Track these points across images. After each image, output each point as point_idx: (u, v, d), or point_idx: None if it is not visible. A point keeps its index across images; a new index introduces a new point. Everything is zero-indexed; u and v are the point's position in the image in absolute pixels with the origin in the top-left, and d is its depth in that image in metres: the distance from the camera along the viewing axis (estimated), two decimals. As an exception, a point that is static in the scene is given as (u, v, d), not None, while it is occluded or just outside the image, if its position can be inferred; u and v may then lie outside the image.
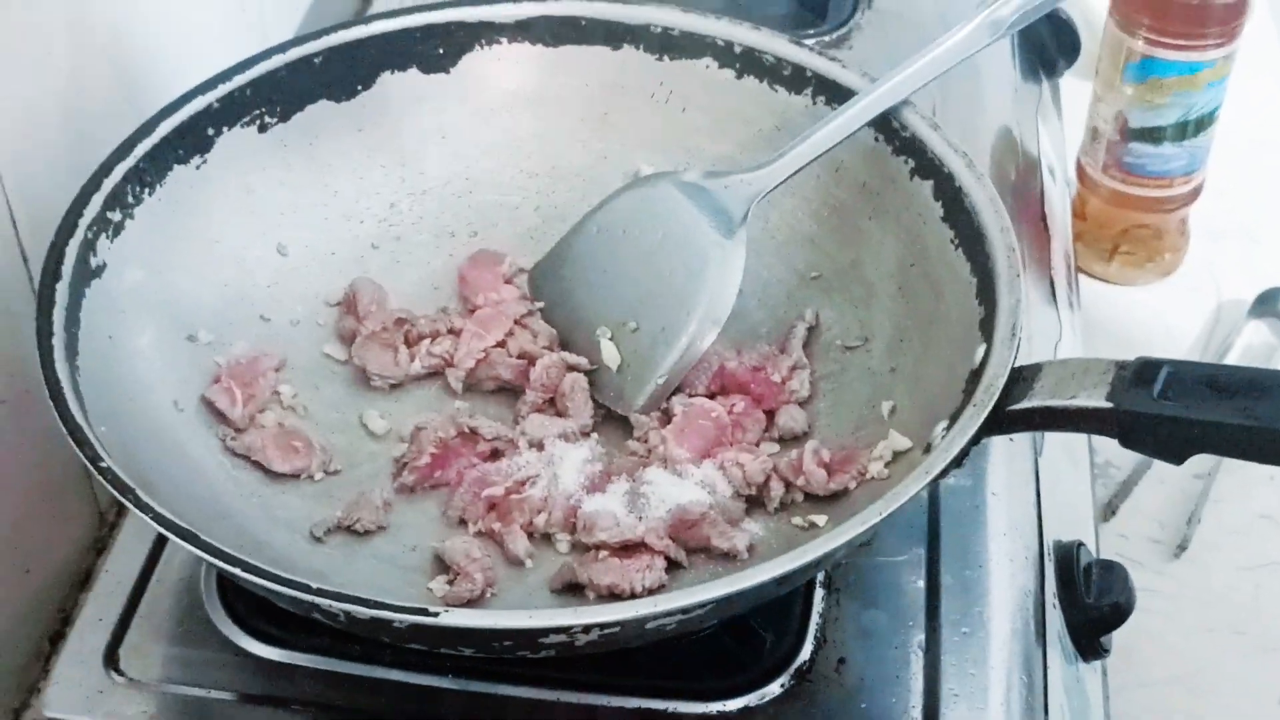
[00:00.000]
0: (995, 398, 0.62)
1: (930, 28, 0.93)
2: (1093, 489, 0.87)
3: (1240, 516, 0.92)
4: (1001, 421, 0.63)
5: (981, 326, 0.67)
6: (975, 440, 0.62)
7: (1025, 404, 0.63)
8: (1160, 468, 0.91)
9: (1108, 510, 0.92)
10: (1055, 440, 0.81)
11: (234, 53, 0.78)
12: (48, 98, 0.75)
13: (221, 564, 0.57)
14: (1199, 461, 0.94)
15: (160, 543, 0.72)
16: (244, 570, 0.57)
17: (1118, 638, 0.75)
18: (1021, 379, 0.64)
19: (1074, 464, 0.86)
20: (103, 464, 0.60)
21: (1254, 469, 0.90)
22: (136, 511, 0.59)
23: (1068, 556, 0.75)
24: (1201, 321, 1.03)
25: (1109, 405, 0.62)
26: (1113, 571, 0.75)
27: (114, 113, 0.77)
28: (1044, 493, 0.76)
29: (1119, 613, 0.74)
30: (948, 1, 0.99)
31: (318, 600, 0.56)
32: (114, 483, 0.59)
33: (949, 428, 0.63)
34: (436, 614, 0.56)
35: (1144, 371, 0.62)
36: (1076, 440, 0.86)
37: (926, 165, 0.73)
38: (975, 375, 0.65)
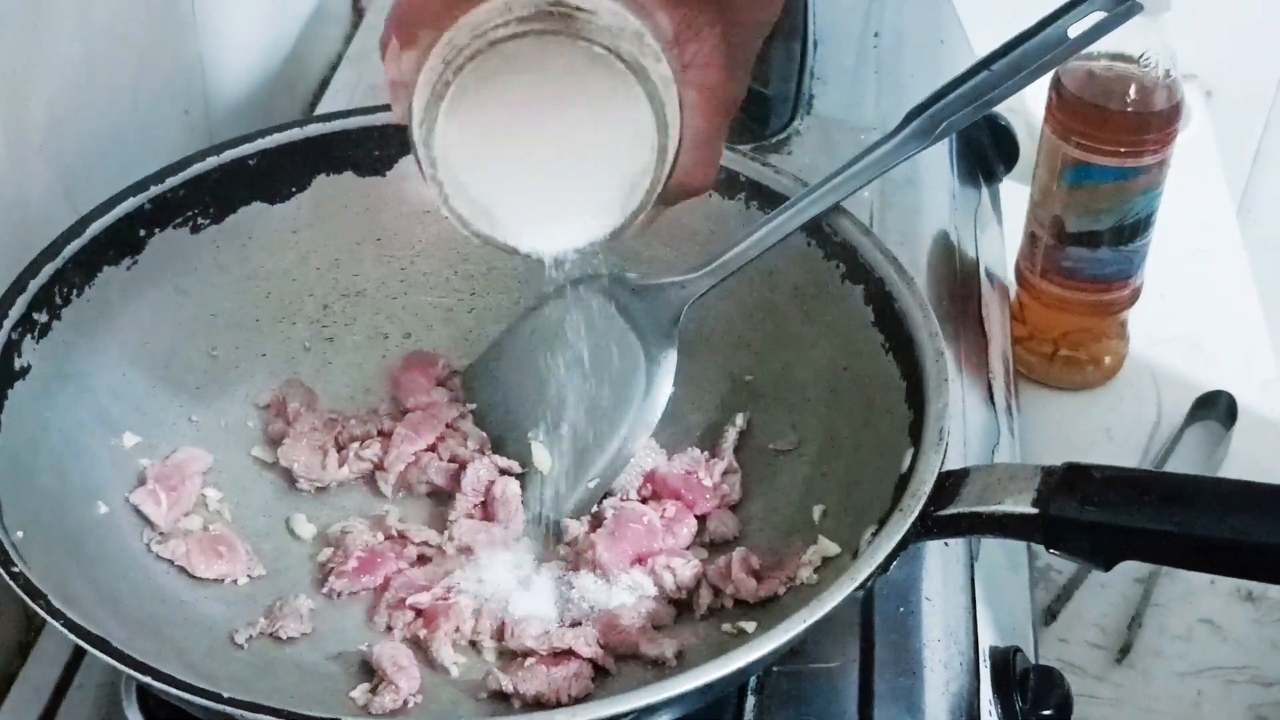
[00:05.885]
0: (921, 503, 0.62)
1: (870, 133, 0.95)
2: (1032, 594, 0.87)
3: (1182, 622, 0.92)
4: (929, 527, 0.63)
5: (910, 431, 0.67)
6: (902, 546, 0.62)
7: (952, 509, 0.63)
8: (1100, 573, 0.91)
9: (1048, 615, 0.91)
10: (993, 544, 0.80)
11: (177, 153, 0.77)
12: (-21, 197, 0.75)
13: (131, 671, 0.56)
14: (1140, 566, 0.95)
15: (81, 648, 0.70)
16: (154, 678, 0.56)
17: (1056, 746, 0.74)
18: (949, 484, 0.64)
19: (1013, 568, 0.85)
20: (15, 569, 0.59)
21: (1195, 574, 0.90)
22: (48, 618, 0.58)
23: (1004, 662, 0.74)
24: (1143, 425, 1.03)
25: (1035, 511, 0.62)
26: (1050, 678, 0.74)
27: (50, 214, 0.77)
28: (980, 597, 0.75)
29: (1056, 720, 0.73)
30: (888, 107, 1.00)
31: (229, 709, 0.55)
32: (25, 588, 0.58)
33: (876, 533, 0.63)
34: (350, 724, 0.55)
35: (1070, 477, 0.62)
36: (1015, 544, 0.86)
37: (857, 270, 0.73)
38: (904, 480, 0.65)
